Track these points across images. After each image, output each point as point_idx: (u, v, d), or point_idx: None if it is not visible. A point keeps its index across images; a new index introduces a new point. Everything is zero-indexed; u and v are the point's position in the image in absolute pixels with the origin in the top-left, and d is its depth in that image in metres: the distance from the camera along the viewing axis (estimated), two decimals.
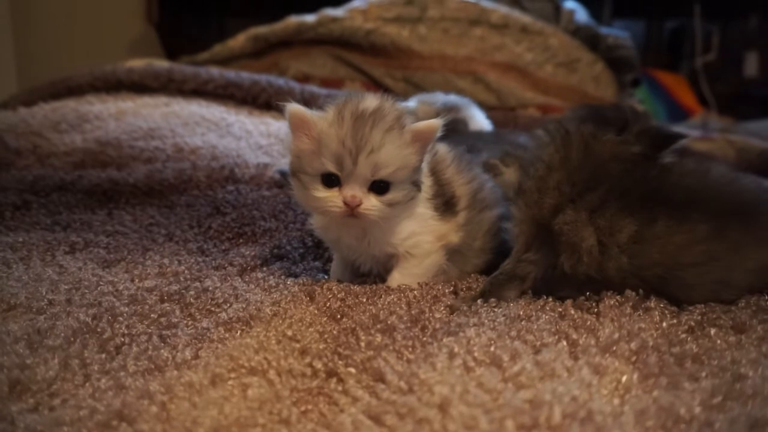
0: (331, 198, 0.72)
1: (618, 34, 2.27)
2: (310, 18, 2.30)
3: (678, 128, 2.50)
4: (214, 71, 1.97)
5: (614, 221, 0.67)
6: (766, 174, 2.05)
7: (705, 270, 0.63)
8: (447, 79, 2.21)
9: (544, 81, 2.18)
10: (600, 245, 0.67)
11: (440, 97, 1.42)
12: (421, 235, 0.78)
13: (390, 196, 0.73)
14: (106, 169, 1.27)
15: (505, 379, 0.50)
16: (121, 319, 0.66)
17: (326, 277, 0.86)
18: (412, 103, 1.39)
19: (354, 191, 0.71)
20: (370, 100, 0.73)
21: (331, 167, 0.71)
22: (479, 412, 0.42)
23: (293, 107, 0.74)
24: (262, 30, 2.38)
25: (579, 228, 0.69)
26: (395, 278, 0.80)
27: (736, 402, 0.44)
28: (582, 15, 2.35)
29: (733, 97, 2.99)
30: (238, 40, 2.43)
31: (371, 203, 0.72)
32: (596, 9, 2.66)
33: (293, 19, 2.31)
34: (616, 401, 0.45)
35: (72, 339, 0.60)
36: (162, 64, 2.08)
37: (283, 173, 1.31)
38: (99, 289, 0.75)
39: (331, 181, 0.72)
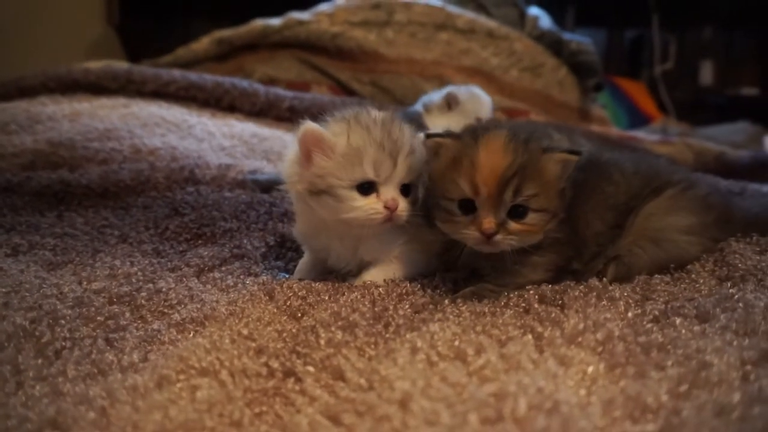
0: (371, 205, 0.71)
1: (581, 39, 2.31)
2: (275, 21, 2.27)
3: (638, 133, 2.55)
4: (176, 73, 1.93)
5: None
6: (722, 175, 2.12)
7: None
8: (414, 82, 2.21)
9: (509, 85, 2.20)
10: None
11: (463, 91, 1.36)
12: (412, 243, 0.78)
13: (412, 198, 0.73)
14: (58, 171, 1.21)
15: (470, 372, 0.48)
16: (63, 322, 0.62)
17: (288, 276, 0.83)
18: (437, 96, 1.34)
19: (393, 194, 0.71)
20: (377, 111, 0.75)
21: (370, 174, 0.70)
22: (441, 407, 0.40)
23: (309, 126, 0.72)
24: (226, 33, 2.34)
25: None
26: (372, 274, 0.78)
27: (703, 390, 0.43)
28: (546, 21, 2.39)
29: (690, 104, 3.09)
30: (202, 43, 2.38)
31: (404, 206, 0.72)
32: (559, 18, 2.71)
33: (258, 22, 2.28)
34: (583, 392, 0.43)
35: (5, 344, 0.56)
36: (121, 64, 2.02)
37: (256, 181, 1.27)
38: (41, 291, 0.70)
39: (366, 189, 0.71)
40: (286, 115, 1.89)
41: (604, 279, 0.67)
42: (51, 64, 2.34)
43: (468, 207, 0.67)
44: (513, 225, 0.66)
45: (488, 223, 0.65)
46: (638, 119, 2.92)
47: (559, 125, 1.47)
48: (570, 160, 0.68)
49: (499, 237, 0.65)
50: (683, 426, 0.38)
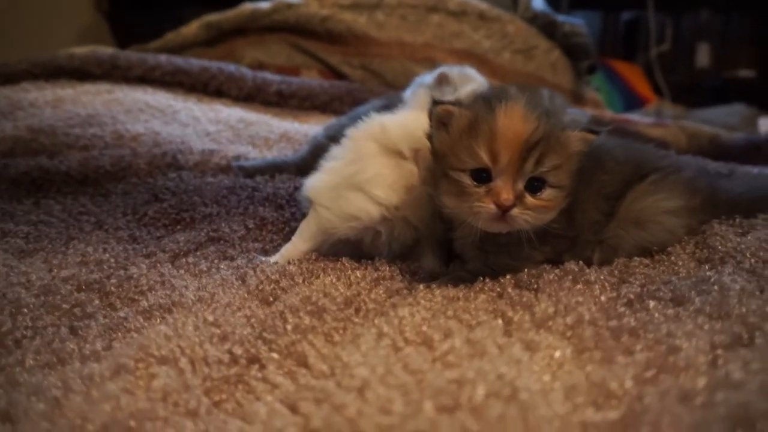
0: None
1: (574, 21, 2.27)
2: (264, 4, 2.23)
3: (632, 116, 2.52)
4: (162, 58, 1.90)
5: None
6: (716, 158, 2.10)
7: None
8: (405, 66, 2.18)
9: (501, 68, 2.16)
10: None
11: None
12: None
13: None
14: (37, 158, 1.19)
15: (435, 358, 0.46)
16: (25, 311, 0.61)
17: (264, 258, 0.81)
18: (428, 78, 1.30)
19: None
20: None
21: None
22: (397, 395, 0.39)
23: None
24: (215, 17, 2.30)
25: None
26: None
27: (669, 375, 0.42)
28: (539, 3, 2.35)
29: (686, 87, 3.05)
30: (191, 28, 2.35)
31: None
32: (555, 0, 2.67)
33: (247, 6, 2.24)
34: (547, 377, 0.42)
35: None
36: (106, 50, 1.98)
37: (241, 168, 1.24)
38: (8, 280, 0.68)
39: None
40: (273, 100, 1.87)
41: (581, 262, 0.66)
42: (40, 52, 2.31)
43: (482, 178, 0.62)
44: (530, 199, 0.62)
45: (506, 193, 0.60)
46: (633, 102, 2.89)
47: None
48: (589, 138, 0.65)
49: (515, 211, 0.61)
50: (645, 412, 0.37)
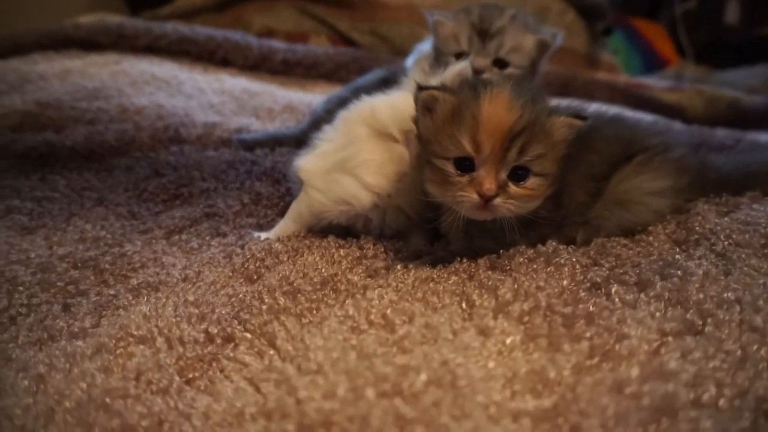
0: None
1: None
2: None
3: (649, 80, 2.43)
4: (168, 26, 1.90)
5: None
6: (732, 122, 2.03)
7: None
8: (414, 31, 2.14)
9: None
10: None
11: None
12: None
13: None
14: (44, 133, 1.22)
15: (393, 343, 0.49)
16: (21, 288, 0.64)
17: (255, 234, 0.84)
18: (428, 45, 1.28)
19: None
20: None
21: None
22: (344, 380, 0.41)
23: None
24: None
25: None
26: None
27: (611, 363, 0.43)
28: None
29: (712, 46, 2.92)
30: None
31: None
32: None
33: None
34: (492, 364, 0.44)
35: None
36: (113, 19, 1.99)
37: (242, 141, 1.26)
38: (8, 258, 0.72)
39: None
40: (279, 68, 1.86)
41: (554, 243, 0.66)
42: (49, 18, 2.33)
43: (465, 167, 0.62)
44: (513, 188, 0.62)
45: (489, 182, 0.60)
46: (654, 63, 2.79)
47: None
48: (575, 124, 0.64)
49: (498, 200, 0.61)
50: (575, 402, 0.39)
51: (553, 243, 0.66)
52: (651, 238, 0.69)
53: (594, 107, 0.81)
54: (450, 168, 0.63)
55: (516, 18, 0.88)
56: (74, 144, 1.18)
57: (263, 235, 0.84)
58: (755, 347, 0.43)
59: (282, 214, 0.87)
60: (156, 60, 1.74)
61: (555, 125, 0.64)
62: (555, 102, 0.72)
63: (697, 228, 0.67)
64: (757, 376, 0.40)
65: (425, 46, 1.30)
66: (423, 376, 0.40)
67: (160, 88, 1.55)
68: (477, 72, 0.83)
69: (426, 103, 0.66)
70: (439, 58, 0.93)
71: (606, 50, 2.28)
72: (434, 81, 0.74)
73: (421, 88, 0.66)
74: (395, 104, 0.78)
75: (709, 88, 2.07)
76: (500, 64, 0.87)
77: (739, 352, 0.43)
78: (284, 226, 0.84)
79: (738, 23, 3.07)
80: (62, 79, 1.52)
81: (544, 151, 0.62)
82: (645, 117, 1.63)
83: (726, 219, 0.68)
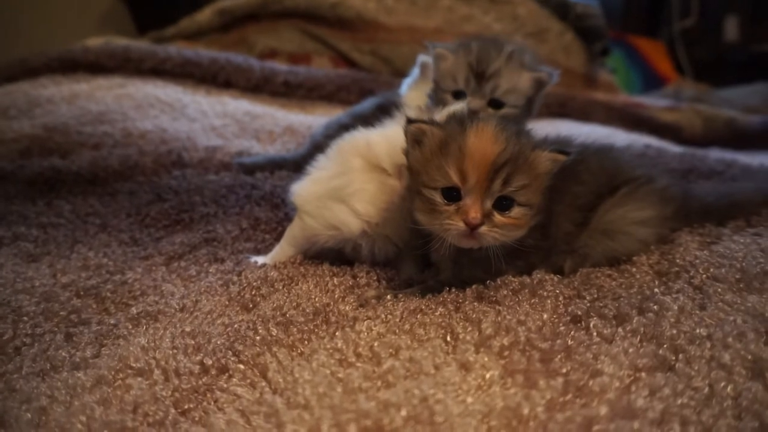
0: None
1: (587, 2, 2.22)
2: None
3: (647, 99, 2.46)
4: (172, 49, 1.95)
5: None
6: (732, 142, 2.04)
7: None
8: (415, 51, 2.17)
9: None
10: None
11: None
12: None
13: None
14: (50, 158, 1.26)
15: (377, 376, 0.51)
16: (26, 318, 0.67)
17: (253, 258, 0.87)
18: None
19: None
20: None
21: None
22: (329, 415, 0.43)
23: None
24: (227, 3, 2.34)
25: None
26: None
27: (584, 399, 0.45)
28: None
29: (711, 63, 2.95)
30: (205, 14, 2.39)
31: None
32: None
33: None
34: (470, 399, 0.46)
35: None
36: (119, 42, 2.04)
37: (241, 165, 1.29)
38: (14, 287, 0.75)
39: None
40: (281, 90, 1.91)
41: (541, 274, 0.68)
42: (61, 39, 2.39)
43: (452, 197, 0.65)
44: (498, 217, 0.64)
45: (474, 212, 0.63)
46: (653, 81, 2.82)
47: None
48: (559, 159, 0.67)
49: (483, 229, 0.64)
50: None
51: (539, 274, 0.68)
52: (634, 269, 0.71)
53: (586, 129, 0.83)
54: (438, 197, 0.66)
55: (513, 57, 0.90)
56: (79, 169, 1.22)
57: (260, 260, 0.87)
58: (722, 384, 0.45)
59: (279, 238, 0.90)
60: (160, 83, 1.79)
61: (539, 158, 0.66)
62: (543, 135, 0.75)
63: (678, 260, 0.69)
64: (722, 413, 0.42)
65: (415, 72, 1.33)
66: (403, 412, 0.43)
67: (164, 111, 1.59)
68: (472, 113, 0.86)
69: (415, 135, 0.69)
70: (437, 94, 0.96)
71: (604, 70, 2.31)
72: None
73: (410, 121, 0.70)
74: (390, 138, 0.81)
75: (707, 108, 2.10)
76: (495, 104, 0.90)
77: (706, 389, 0.45)
78: (281, 251, 0.87)
79: (737, 41, 3.11)
80: (69, 102, 1.56)
81: (527, 182, 0.65)
82: (641, 139, 1.65)
83: (705, 252, 0.70)
